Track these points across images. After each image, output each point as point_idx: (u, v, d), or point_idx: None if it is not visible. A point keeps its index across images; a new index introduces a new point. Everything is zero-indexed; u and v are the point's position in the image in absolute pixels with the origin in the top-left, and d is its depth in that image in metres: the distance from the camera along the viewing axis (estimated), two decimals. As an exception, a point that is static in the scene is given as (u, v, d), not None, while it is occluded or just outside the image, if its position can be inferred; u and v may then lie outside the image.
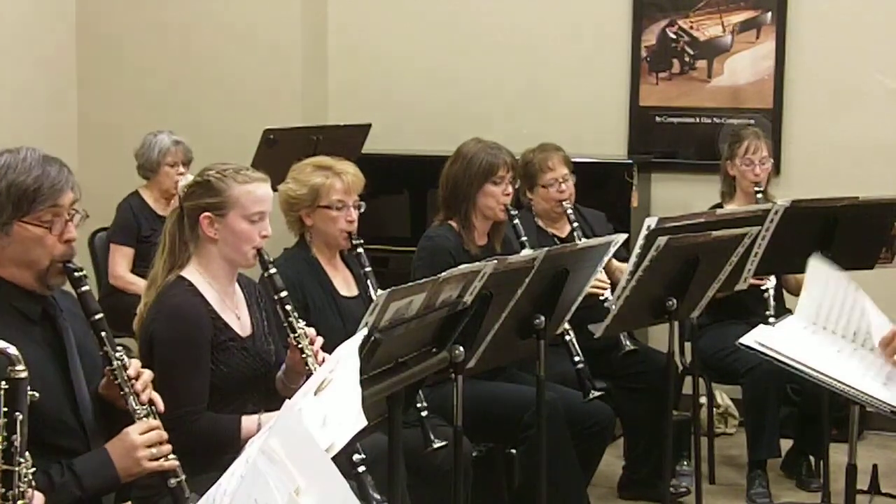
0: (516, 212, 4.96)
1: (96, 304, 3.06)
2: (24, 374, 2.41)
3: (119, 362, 3.03)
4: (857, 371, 3.39)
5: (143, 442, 3.00)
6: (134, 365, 3.08)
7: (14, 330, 2.93)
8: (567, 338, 4.68)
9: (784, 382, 5.41)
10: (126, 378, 3.03)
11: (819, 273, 3.56)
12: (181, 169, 6.07)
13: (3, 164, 2.97)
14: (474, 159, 4.85)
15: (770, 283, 5.42)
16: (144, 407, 3.05)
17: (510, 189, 4.88)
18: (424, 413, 4.12)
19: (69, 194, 3.01)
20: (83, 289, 3.04)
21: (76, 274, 3.02)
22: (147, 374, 3.10)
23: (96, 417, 3.11)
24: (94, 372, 3.13)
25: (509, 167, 4.88)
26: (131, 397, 3.03)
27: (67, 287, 3.13)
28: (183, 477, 3.04)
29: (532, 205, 5.40)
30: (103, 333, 3.03)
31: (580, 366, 4.70)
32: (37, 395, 2.48)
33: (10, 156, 2.99)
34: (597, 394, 4.67)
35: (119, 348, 3.06)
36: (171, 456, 3.04)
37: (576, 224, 5.26)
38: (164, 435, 3.04)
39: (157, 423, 3.04)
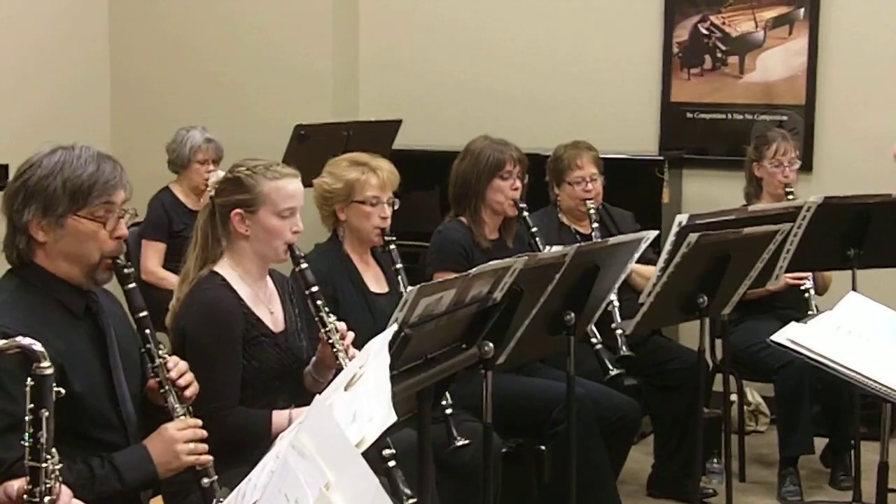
0: (525, 205, 4.96)
1: (141, 300, 3.09)
2: (49, 371, 2.41)
3: (161, 360, 3.06)
4: (889, 369, 3.38)
5: (182, 437, 3.02)
6: (173, 362, 3.10)
7: (59, 324, 2.98)
8: None
9: (817, 379, 5.39)
10: (166, 376, 3.06)
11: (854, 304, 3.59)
12: (210, 167, 6.08)
13: (58, 160, 2.99)
14: (482, 155, 4.89)
15: (809, 282, 5.41)
16: (183, 405, 3.07)
17: (518, 183, 4.91)
18: (449, 410, 4.13)
19: (121, 192, 3.04)
20: (130, 286, 3.07)
21: (125, 270, 3.05)
22: (183, 364, 3.12)
23: (137, 414, 3.13)
24: (130, 369, 3.14)
25: (516, 162, 4.91)
26: (171, 395, 3.06)
27: (106, 285, 3.16)
28: (216, 477, 3.06)
29: (558, 201, 5.41)
30: (147, 331, 3.06)
31: (598, 346, 4.69)
32: (62, 391, 2.50)
33: (64, 152, 3.01)
34: (615, 372, 4.67)
35: (161, 346, 3.09)
36: (208, 455, 3.06)
37: (595, 226, 5.25)
38: (202, 433, 3.06)
39: (195, 421, 3.07)
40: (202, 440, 3.06)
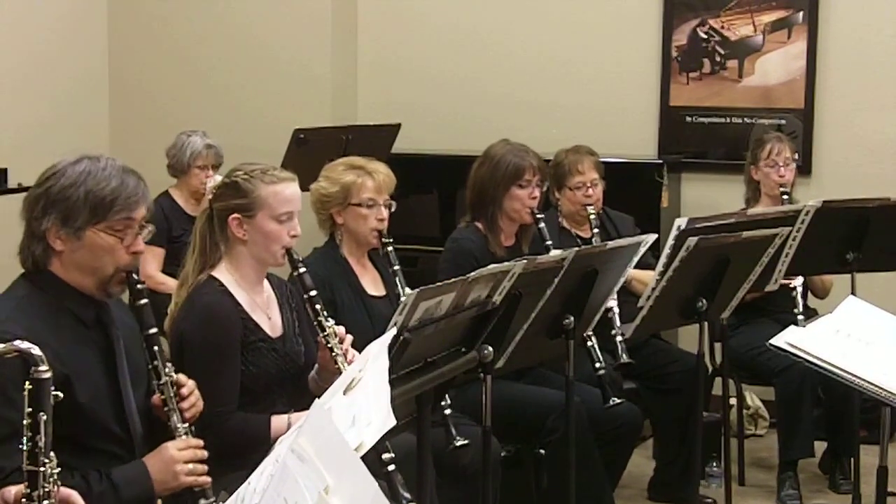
0: (542, 215, 4.95)
1: (152, 318, 3.07)
2: (47, 375, 2.41)
3: (167, 378, 3.05)
4: (889, 372, 3.38)
5: (182, 458, 3.01)
6: (184, 379, 3.10)
7: (68, 332, 2.97)
8: (589, 343, 4.66)
9: (818, 383, 5.39)
10: (172, 395, 3.05)
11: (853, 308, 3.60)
12: (210, 172, 6.07)
13: (83, 170, 2.98)
14: (501, 162, 4.87)
15: (798, 281, 5.40)
16: (185, 425, 3.06)
17: (537, 192, 4.89)
18: (448, 411, 4.13)
19: (143, 209, 3.03)
20: (141, 302, 3.05)
21: (138, 287, 3.04)
22: (192, 384, 3.12)
23: (143, 426, 3.12)
24: (138, 381, 3.13)
25: (536, 170, 4.88)
26: (174, 414, 3.05)
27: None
28: (213, 499, 3.04)
29: (559, 205, 5.40)
30: (155, 348, 3.05)
31: (601, 372, 4.68)
32: (60, 395, 2.49)
33: (89, 163, 3.01)
34: (617, 402, 4.65)
35: (169, 364, 3.08)
36: (206, 477, 3.06)
37: (596, 231, 5.24)
38: (203, 454, 3.05)
39: (196, 441, 3.05)
40: (202, 461, 3.05)
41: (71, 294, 3.01)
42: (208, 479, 3.05)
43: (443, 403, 4.06)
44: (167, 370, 3.06)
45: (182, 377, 3.10)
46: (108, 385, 3.04)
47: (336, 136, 6.24)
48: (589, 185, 5.32)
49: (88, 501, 2.87)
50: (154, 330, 3.06)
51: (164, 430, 3.08)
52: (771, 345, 3.45)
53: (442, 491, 3.88)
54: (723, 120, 6.78)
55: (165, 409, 3.05)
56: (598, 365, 4.66)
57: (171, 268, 5.78)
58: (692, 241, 4.06)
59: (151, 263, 6.12)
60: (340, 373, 3.51)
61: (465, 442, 4.11)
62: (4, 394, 2.78)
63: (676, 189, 6.67)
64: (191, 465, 3.02)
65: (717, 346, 5.63)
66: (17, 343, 2.44)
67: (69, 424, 2.62)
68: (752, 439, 6.28)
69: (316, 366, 3.74)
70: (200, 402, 3.13)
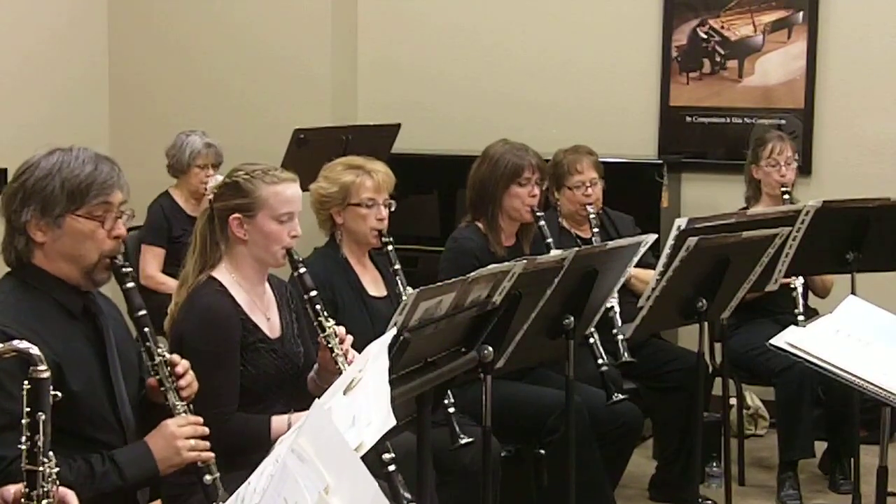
0: (542, 213, 4.95)
1: (140, 299, 3.10)
2: (46, 375, 2.41)
3: (161, 358, 3.06)
4: (889, 372, 3.38)
5: (183, 434, 3.02)
6: (177, 358, 3.11)
7: (57, 324, 2.99)
8: (591, 340, 4.66)
9: (818, 383, 5.39)
10: (167, 374, 3.06)
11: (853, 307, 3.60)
12: (210, 171, 6.07)
13: (56, 161, 3.01)
14: (500, 161, 4.87)
15: (798, 281, 5.40)
16: (184, 403, 3.08)
17: (536, 190, 4.89)
18: (452, 410, 4.13)
19: (119, 193, 3.05)
20: (128, 285, 3.07)
21: (123, 270, 3.06)
22: (186, 363, 3.13)
23: (134, 416, 3.13)
24: (128, 372, 3.15)
25: (535, 168, 4.88)
26: (171, 393, 3.06)
27: (104, 290, 3.17)
28: (218, 475, 3.05)
29: (558, 205, 5.40)
30: (146, 329, 3.07)
31: (604, 368, 4.68)
32: (59, 394, 2.49)
33: (62, 153, 3.04)
34: (620, 397, 4.66)
35: (161, 345, 3.09)
36: (209, 452, 3.07)
37: (596, 230, 5.24)
38: (203, 430, 3.06)
39: (196, 418, 3.07)
40: (203, 437, 3.06)
41: (57, 285, 3.03)
42: (211, 454, 3.06)
43: (446, 402, 4.07)
44: (160, 350, 3.07)
45: (175, 357, 3.11)
46: (100, 374, 3.06)
47: (336, 136, 6.24)
48: (588, 184, 5.33)
49: (92, 484, 2.90)
50: (143, 311, 3.08)
51: (157, 418, 3.08)
52: (771, 345, 3.45)
53: (442, 491, 3.88)
54: (723, 120, 6.78)
55: (162, 389, 3.07)
56: (600, 361, 4.67)
57: (171, 268, 5.79)
58: (692, 241, 4.06)
59: (152, 263, 6.13)
60: (341, 373, 3.52)
61: (470, 440, 4.11)
62: (1, 386, 2.78)
63: (676, 189, 6.67)
64: (193, 441, 3.03)
65: (717, 346, 5.64)
66: (16, 343, 2.45)
67: (63, 415, 2.63)
68: (752, 439, 6.29)
69: (316, 366, 3.74)
70: (195, 382, 3.14)
